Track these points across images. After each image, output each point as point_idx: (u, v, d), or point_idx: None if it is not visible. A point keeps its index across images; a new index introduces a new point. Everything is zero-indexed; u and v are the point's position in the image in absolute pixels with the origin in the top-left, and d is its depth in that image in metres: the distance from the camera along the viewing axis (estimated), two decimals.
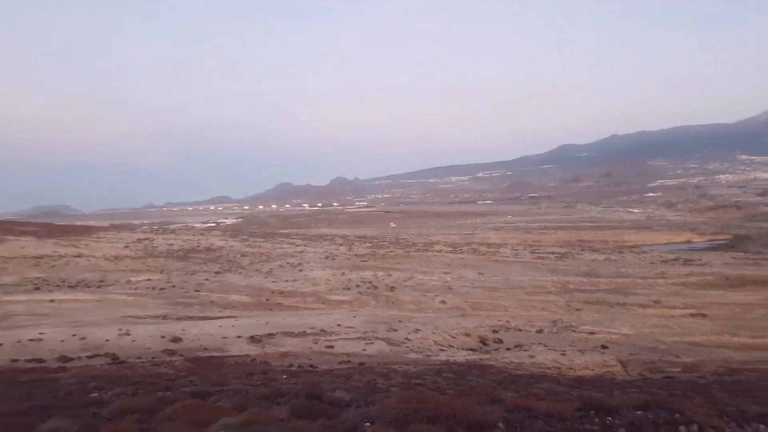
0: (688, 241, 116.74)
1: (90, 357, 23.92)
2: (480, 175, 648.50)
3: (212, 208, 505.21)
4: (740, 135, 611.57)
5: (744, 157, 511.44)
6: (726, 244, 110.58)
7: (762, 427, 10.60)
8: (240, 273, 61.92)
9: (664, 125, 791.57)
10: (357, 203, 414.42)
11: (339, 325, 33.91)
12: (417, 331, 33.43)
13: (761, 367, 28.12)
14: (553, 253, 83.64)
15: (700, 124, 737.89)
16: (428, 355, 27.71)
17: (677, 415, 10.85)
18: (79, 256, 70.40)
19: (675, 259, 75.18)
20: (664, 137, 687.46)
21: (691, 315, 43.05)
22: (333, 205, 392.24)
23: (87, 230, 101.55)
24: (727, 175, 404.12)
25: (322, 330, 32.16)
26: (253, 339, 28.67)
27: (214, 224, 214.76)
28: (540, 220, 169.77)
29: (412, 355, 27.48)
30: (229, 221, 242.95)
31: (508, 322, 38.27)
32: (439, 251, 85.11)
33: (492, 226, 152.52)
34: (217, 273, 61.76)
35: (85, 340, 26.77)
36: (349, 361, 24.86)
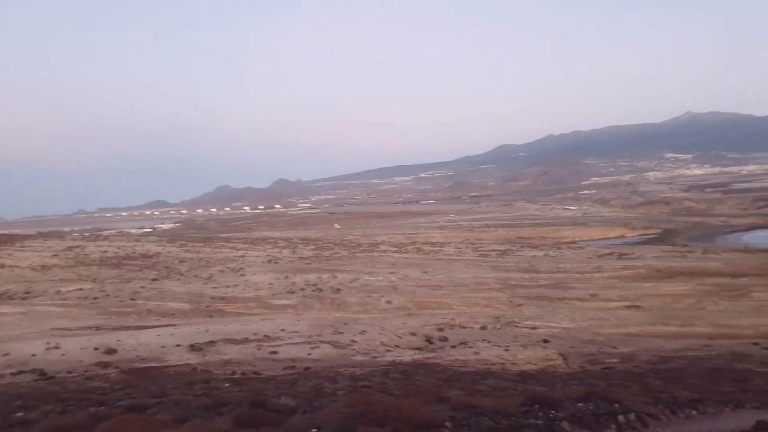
0: (622, 236, 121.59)
1: (14, 374, 22.48)
2: (423, 175, 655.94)
3: (148, 213, 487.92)
4: (666, 134, 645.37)
5: (670, 155, 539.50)
6: (656, 237, 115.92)
7: (693, 412, 11.10)
8: (178, 279, 59.97)
9: (597, 125, 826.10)
10: (300, 205, 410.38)
11: (283, 330, 33.32)
12: (363, 332, 33.27)
13: (691, 354, 29.56)
14: (494, 250, 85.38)
15: (629, 124, 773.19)
16: (375, 357, 27.60)
17: (616, 404, 11.19)
18: (0, 266, 66.31)
19: (610, 254, 78.12)
20: (597, 137, 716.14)
21: (626, 307, 44.74)
22: (275, 208, 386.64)
23: (10, 239, 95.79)
24: (656, 173, 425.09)
25: (265, 336, 31.51)
26: (193, 347, 27.77)
27: (150, 229, 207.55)
28: (481, 219, 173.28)
29: (359, 357, 27.31)
30: (166, 226, 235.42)
31: (452, 319, 38.67)
32: (384, 251, 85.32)
33: (435, 226, 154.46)
34: (154, 280, 59.55)
35: (9, 356, 25.16)
36: (294, 367, 24.45)
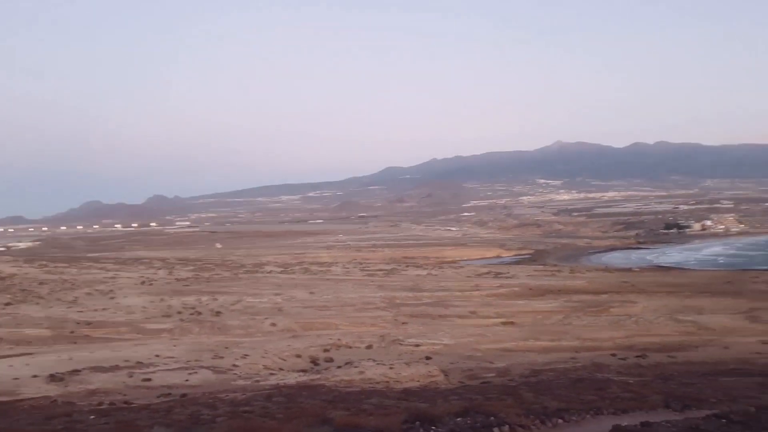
0: (498, 256, 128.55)
1: None
2: (311, 194, 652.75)
3: (1, 230, 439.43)
4: (538, 161, 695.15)
5: (542, 181, 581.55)
6: (529, 258, 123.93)
7: (560, 420, 11.93)
8: (38, 303, 54.43)
9: (476, 151, 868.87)
10: (178, 223, 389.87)
11: (158, 356, 31.31)
12: (245, 356, 32.16)
13: (559, 366, 31.68)
14: (381, 269, 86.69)
15: (506, 151, 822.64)
16: (257, 381, 26.74)
17: (492, 417, 11.70)
18: None
19: (487, 273, 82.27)
20: (477, 162, 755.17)
21: (502, 323, 47.12)
22: (150, 226, 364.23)
23: None
24: (529, 197, 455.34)
25: (138, 362, 29.42)
26: (53, 377, 25.24)
27: (3, 248, 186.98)
28: (369, 239, 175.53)
29: (240, 382, 26.32)
30: (23, 245, 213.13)
31: (339, 340, 38.54)
32: (270, 272, 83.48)
33: (323, 245, 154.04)
34: (7, 304, 53.54)
35: None
36: (169, 394, 23.02)
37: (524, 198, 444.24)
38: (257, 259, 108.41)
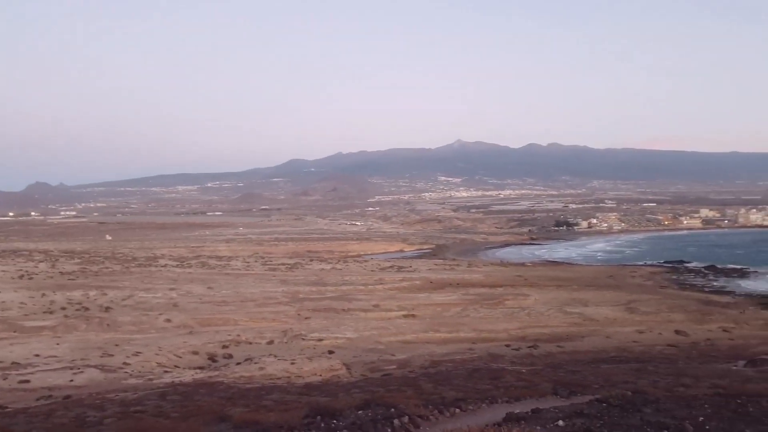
0: (401, 251, 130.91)
1: None
2: (209, 185, 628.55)
3: None
4: (440, 159, 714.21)
5: (443, 178, 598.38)
6: (430, 252, 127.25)
7: (457, 410, 12.29)
8: None
9: (381, 147, 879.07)
10: (63, 213, 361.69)
11: (38, 356, 28.91)
12: (137, 354, 30.46)
13: (457, 357, 32.80)
14: (284, 264, 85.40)
15: (410, 148, 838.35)
16: (151, 379, 25.41)
17: (392, 409, 11.82)
18: None
19: (391, 267, 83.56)
20: (381, 158, 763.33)
21: (404, 316, 48.06)
22: (31, 215, 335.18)
23: None
24: (431, 193, 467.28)
25: (13, 363, 27.01)
26: None
27: None
28: (271, 232, 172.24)
29: (132, 381, 24.88)
30: None
31: (238, 335, 37.54)
32: (164, 266, 79.63)
33: (222, 239, 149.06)
34: None
35: None
36: (51, 396, 21.32)
37: (426, 194, 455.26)
38: (151, 252, 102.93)
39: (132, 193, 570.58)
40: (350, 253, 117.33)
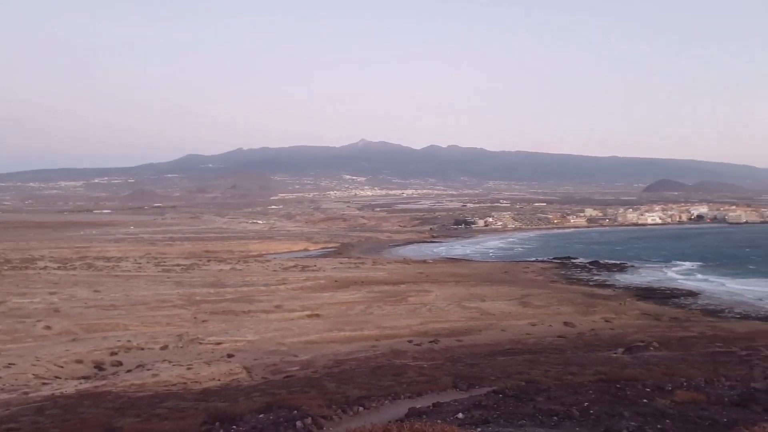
0: (306, 249, 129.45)
1: None
2: (96, 181, 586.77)
3: None
4: (345, 158, 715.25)
5: (348, 176, 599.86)
6: (335, 250, 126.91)
7: (360, 408, 12.28)
8: None
9: (284, 144, 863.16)
10: None
11: None
12: (10, 366, 27.80)
13: (361, 355, 32.93)
14: (179, 264, 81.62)
15: (314, 146, 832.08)
16: (26, 393, 23.27)
17: (295, 411, 11.57)
18: None
19: (294, 266, 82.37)
20: (285, 154, 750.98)
21: (308, 316, 47.57)
22: None
23: None
24: (336, 192, 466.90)
25: None
26: None
27: None
28: (166, 231, 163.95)
29: (4, 396, 22.65)
30: None
31: (129, 341, 35.37)
32: (44, 268, 73.42)
33: (111, 238, 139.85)
34: None
35: None
36: None
37: (331, 192, 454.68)
38: (28, 254, 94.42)
39: (5, 188, 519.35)
40: (251, 253, 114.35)
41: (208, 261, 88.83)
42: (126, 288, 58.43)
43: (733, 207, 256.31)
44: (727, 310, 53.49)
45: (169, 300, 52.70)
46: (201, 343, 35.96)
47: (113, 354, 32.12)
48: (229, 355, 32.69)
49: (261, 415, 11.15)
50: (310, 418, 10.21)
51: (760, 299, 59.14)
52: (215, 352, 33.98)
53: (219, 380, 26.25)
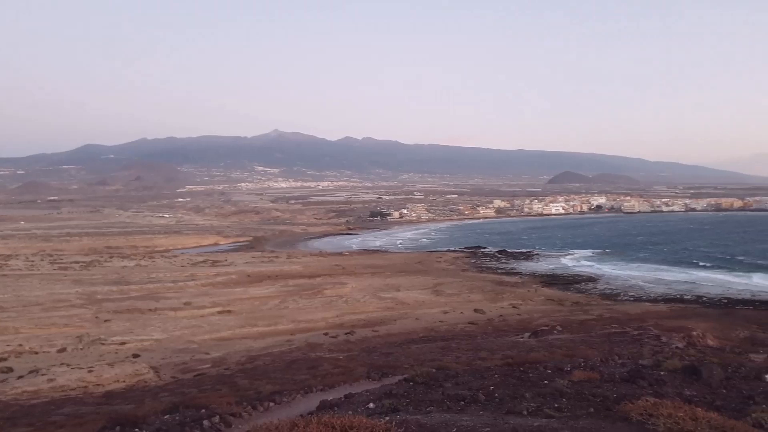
0: (216, 244, 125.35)
1: None
2: None
3: None
4: (257, 148, 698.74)
5: (260, 168, 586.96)
6: (247, 244, 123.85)
7: (271, 404, 12.07)
8: None
9: (192, 134, 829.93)
10: None
11: None
12: None
13: (275, 350, 32.45)
14: (77, 262, 76.65)
15: (223, 136, 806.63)
16: None
17: (203, 410, 11.19)
18: None
19: (204, 261, 79.75)
20: (192, 145, 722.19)
21: (219, 313, 46.24)
22: None
23: None
24: (247, 184, 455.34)
25: None
26: None
27: None
28: (62, 226, 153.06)
29: None
30: None
31: (20, 345, 32.83)
32: None
33: None
34: None
35: None
36: None
37: (242, 185, 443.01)
38: None
39: None
40: (157, 248, 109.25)
41: (111, 257, 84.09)
42: (16, 288, 54.14)
43: (628, 198, 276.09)
44: (622, 294, 57.57)
45: (67, 300, 49.40)
46: (103, 344, 34.03)
47: (2, 360, 29.67)
48: (135, 355, 31.16)
49: (166, 416, 10.68)
50: (218, 416, 9.90)
51: (650, 283, 64.16)
52: (119, 352, 32.27)
53: (124, 382, 25.02)
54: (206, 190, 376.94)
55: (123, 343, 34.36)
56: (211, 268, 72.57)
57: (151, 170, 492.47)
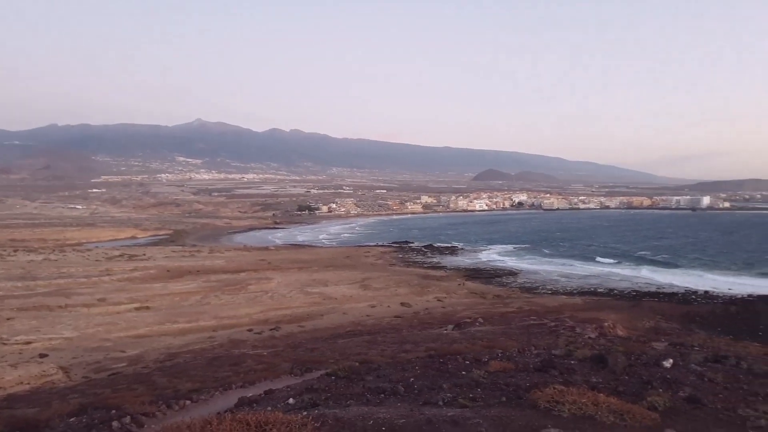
0: (133, 237, 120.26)
1: None
2: None
3: None
4: (178, 138, 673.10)
5: (181, 158, 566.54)
6: (167, 238, 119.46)
7: (188, 402, 11.69)
8: None
9: (108, 121, 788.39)
10: None
11: None
12: None
13: (196, 347, 31.47)
14: None
15: (142, 124, 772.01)
16: None
17: (113, 411, 10.70)
18: None
19: (120, 256, 76.21)
20: (108, 133, 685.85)
21: (136, 309, 44.36)
22: None
23: None
24: (168, 175, 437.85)
25: None
26: None
27: None
28: None
29: None
30: None
31: None
32: None
33: None
34: None
35: None
36: None
37: (162, 176, 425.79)
38: None
39: None
40: (69, 242, 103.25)
41: (15, 251, 78.57)
42: None
43: (548, 195, 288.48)
44: (540, 287, 60.05)
45: None
46: (5, 344, 31.76)
47: None
48: (42, 355, 29.30)
49: (72, 419, 10.12)
50: (129, 417, 9.47)
51: (566, 277, 67.34)
52: (24, 353, 30.22)
53: (28, 384, 23.52)
54: (123, 181, 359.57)
55: (28, 343, 32.22)
56: (128, 263, 69.41)
57: (62, 159, 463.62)
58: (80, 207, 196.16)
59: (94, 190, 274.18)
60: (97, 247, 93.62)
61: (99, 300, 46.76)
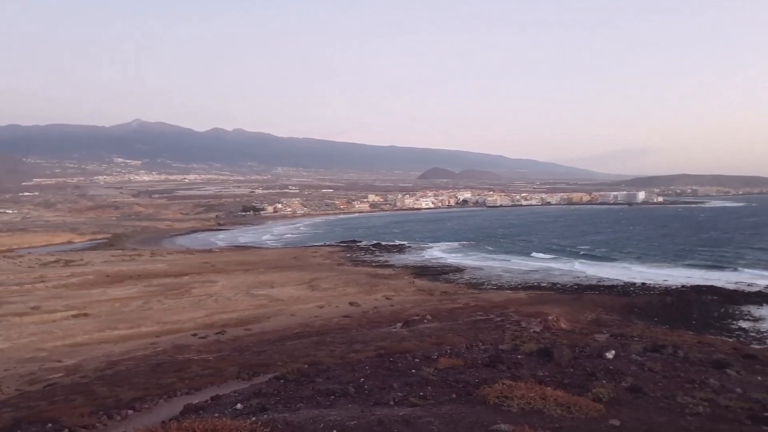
0: (69, 242, 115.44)
1: None
2: None
3: None
4: (116, 139, 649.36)
5: (120, 160, 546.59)
6: (106, 242, 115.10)
7: (130, 411, 11.28)
8: None
9: (39, 121, 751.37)
10: None
11: None
12: None
13: (139, 354, 30.39)
14: None
15: (77, 125, 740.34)
16: None
17: (50, 424, 10.20)
18: None
19: (55, 261, 72.90)
20: (40, 134, 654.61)
21: (74, 316, 42.48)
22: None
23: None
24: (105, 177, 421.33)
25: None
26: None
27: None
28: None
29: None
30: None
31: None
32: None
33: None
34: None
35: None
36: None
37: (100, 178, 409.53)
38: None
39: None
40: None
41: None
42: None
43: (491, 193, 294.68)
44: (486, 283, 61.20)
45: None
46: None
47: None
48: None
49: None
50: (66, 430, 9.04)
51: (510, 272, 68.91)
52: None
53: None
54: (57, 184, 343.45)
55: None
56: (64, 269, 66.39)
57: None
58: (10, 211, 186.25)
59: (26, 194, 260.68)
60: (30, 252, 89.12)
61: (33, 308, 44.52)
